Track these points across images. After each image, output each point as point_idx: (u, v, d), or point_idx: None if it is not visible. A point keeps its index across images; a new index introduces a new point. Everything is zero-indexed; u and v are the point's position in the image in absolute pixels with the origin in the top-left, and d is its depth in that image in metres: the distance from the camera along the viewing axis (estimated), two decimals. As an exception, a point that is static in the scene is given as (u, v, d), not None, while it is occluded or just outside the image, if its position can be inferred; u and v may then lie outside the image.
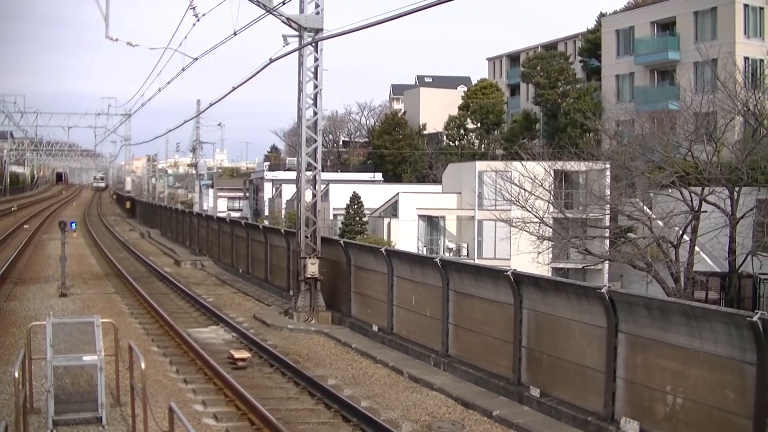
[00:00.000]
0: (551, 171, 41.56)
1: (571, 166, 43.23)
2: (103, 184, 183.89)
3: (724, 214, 31.03)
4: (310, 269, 25.43)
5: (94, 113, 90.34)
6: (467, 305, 18.66)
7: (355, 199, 54.41)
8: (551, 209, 37.81)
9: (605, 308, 14.03)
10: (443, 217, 54.74)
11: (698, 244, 32.69)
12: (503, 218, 37.86)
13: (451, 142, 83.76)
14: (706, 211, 31.60)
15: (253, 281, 34.80)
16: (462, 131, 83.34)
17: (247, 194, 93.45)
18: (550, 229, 35.75)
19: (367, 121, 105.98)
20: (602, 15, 75.06)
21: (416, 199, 54.76)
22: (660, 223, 33.52)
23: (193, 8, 28.34)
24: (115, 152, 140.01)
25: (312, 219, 26.40)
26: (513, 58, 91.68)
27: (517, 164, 41.43)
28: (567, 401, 15.04)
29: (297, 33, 25.36)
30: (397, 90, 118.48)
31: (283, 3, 25.02)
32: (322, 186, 29.55)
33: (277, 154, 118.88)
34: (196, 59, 31.85)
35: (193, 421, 13.97)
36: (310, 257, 25.68)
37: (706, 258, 37.71)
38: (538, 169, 38.28)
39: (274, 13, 24.82)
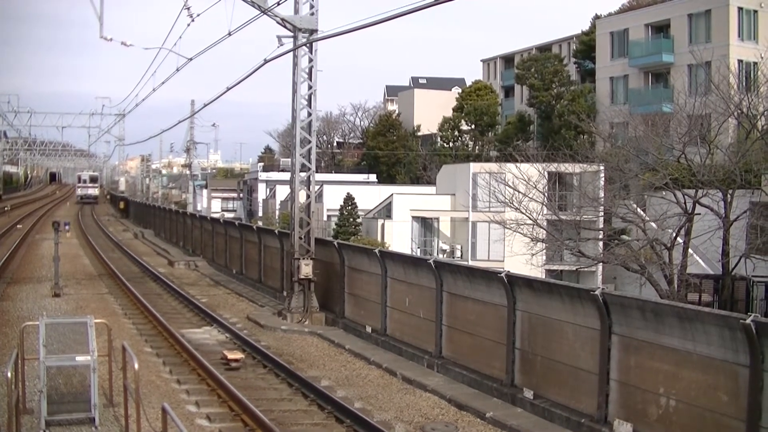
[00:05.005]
0: (545, 173, 41.67)
1: (565, 168, 43.32)
2: (94, 191, 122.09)
3: (718, 217, 31.10)
4: (303, 270, 25.42)
5: (88, 113, 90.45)
6: (461, 307, 18.67)
7: (349, 200, 54.40)
8: (545, 211, 37.87)
9: (599, 310, 14.04)
10: (437, 219, 54.78)
11: (692, 246, 32.74)
12: (497, 220, 37.89)
13: (445, 144, 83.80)
14: (699, 214, 31.67)
15: (247, 282, 34.76)
16: (456, 133, 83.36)
17: (241, 195, 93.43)
18: (544, 231, 35.79)
19: (362, 122, 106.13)
20: (597, 17, 75.15)
21: (410, 200, 54.78)
22: (653, 225, 33.58)
23: (188, 8, 28.33)
24: (109, 152, 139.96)
25: (306, 220, 26.38)
26: (507, 59, 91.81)
27: (511, 166, 41.48)
28: (560, 403, 15.06)
29: (292, 34, 25.37)
30: (392, 91, 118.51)
31: (278, 4, 25.05)
32: (316, 187, 29.51)
33: (271, 155, 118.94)
34: (191, 59, 31.83)
35: (186, 422, 13.94)
36: (303, 258, 25.67)
37: (700, 260, 37.79)
38: (532, 170, 38.34)
39: (269, 13, 24.82)
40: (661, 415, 12.93)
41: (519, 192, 36.02)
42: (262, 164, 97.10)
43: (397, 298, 21.75)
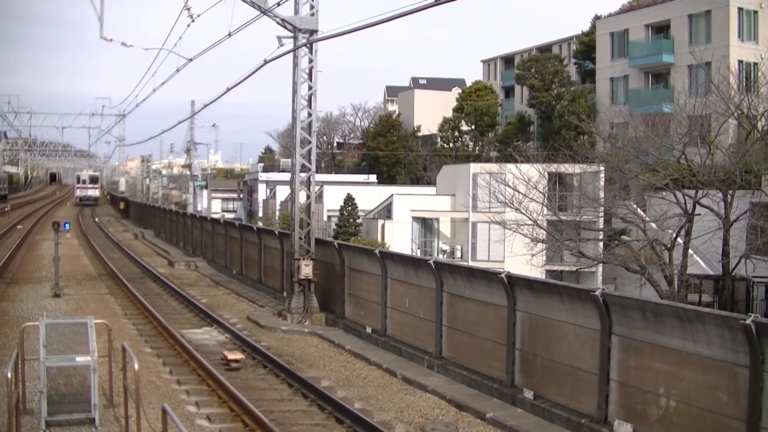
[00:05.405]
0: (545, 173, 41.62)
1: (565, 168, 43.28)
2: (94, 193, 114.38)
3: (718, 217, 31.09)
4: (303, 271, 25.43)
5: (88, 114, 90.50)
6: (461, 307, 18.67)
7: (349, 200, 54.38)
8: (545, 211, 37.85)
9: (599, 311, 14.04)
10: (437, 219, 54.75)
11: (692, 246, 32.72)
12: (497, 220, 37.89)
13: (445, 144, 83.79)
14: (699, 214, 31.67)
15: (247, 282, 34.76)
16: (456, 133, 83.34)
17: (241, 195, 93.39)
18: (544, 232, 35.79)
19: (362, 123, 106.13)
20: (597, 17, 75.14)
21: (410, 200, 54.76)
22: (654, 225, 33.56)
23: (188, 9, 28.33)
24: (109, 153, 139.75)
25: (306, 220, 26.39)
26: (507, 60, 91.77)
27: (511, 166, 41.48)
28: (560, 403, 15.06)
29: (292, 34, 25.39)
30: (392, 91, 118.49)
31: (278, 4, 25.06)
32: (316, 187, 29.52)
33: (271, 156, 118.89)
34: (191, 60, 31.85)
35: (187, 423, 13.95)
36: (303, 258, 25.67)
37: (700, 261, 37.78)
38: (533, 171, 38.32)
39: (269, 14, 24.83)
40: (662, 416, 12.93)
41: (519, 192, 36.00)
42: (262, 165, 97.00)
43: (397, 298, 21.75)
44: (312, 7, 25.42)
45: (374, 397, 16.91)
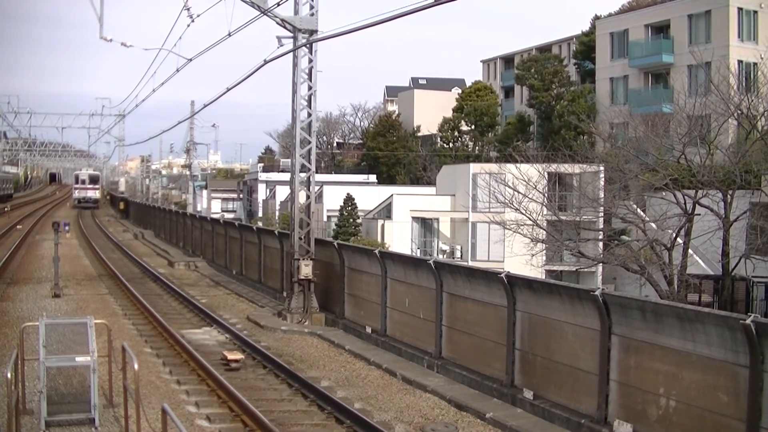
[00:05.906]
0: (545, 173, 41.61)
1: (565, 168, 43.30)
2: (94, 194, 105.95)
3: (718, 217, 31.09)
4: (303, 271, 25.42)
5: (88, 114, 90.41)
6: (461, 307, 18.67)
7: (349, 200, 54.39)
8: (545, 212, 37.86)
9: (599, 311, 14.04)
10: (437, 219, 54.77)
11: (692, 246, 32.73)
12: (497, 220, 37.89)
13: (445, 144, 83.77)
14: (699, 214, 31.67)
15: (247, 282, 34.76)
16: (456, 133, 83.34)
17: (241, 195, 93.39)
18: (544, 232, 35.79)
19: (361, 123, 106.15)
20: (597, 18, 75.15)
21: (410, 201, 54.77)
22: (653, 225, 33.57)
23: (188, 9, 28.33)
24: (109, 153, 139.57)
25: (306, 220, 26.39)
26: (507, 60, 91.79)
27: (510, 166, 41.47)
28: (560, 403, 15.06)
29: (291, 34, 25.39)
30: (392, 92, 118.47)
31: (278, 4, 25.07)
32: (316, 187, 29.52)
33: (271, 156, 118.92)
34: (191, 60, 31.84)
35: (186, 423, 13.95)
36: (303, 259, 25.67)
37: (700, 261, 37.78)
38: (532, 171, 38.32)
39: (269, 14, 24.83)
40: (661, 416, 12.93)
41: (519, 192, 36.01)
42: (262, 165, 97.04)
43: (396, 298, 21.75)
44: (312, 8, 25.43)
45: (374, 397, 16.91)
